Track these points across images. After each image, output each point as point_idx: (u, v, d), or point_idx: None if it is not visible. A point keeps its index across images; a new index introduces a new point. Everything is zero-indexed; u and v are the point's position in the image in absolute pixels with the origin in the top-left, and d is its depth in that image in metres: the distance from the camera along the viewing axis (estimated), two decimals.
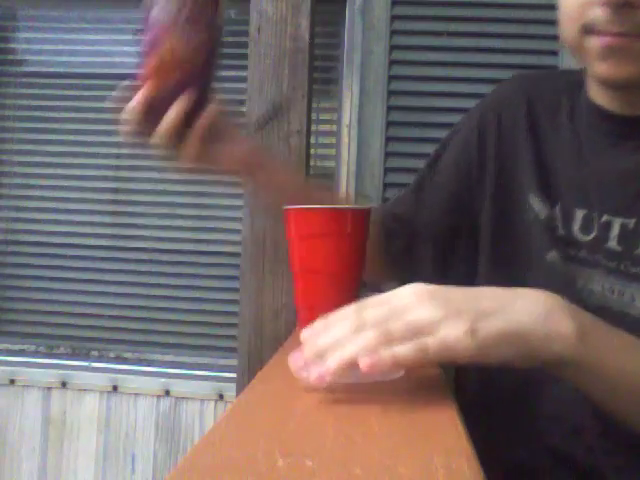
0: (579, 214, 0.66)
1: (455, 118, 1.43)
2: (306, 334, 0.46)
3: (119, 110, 0.59)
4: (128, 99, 0.58)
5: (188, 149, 0.62)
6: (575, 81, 0.75)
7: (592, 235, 0.65)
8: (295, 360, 0.44)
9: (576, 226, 0.66)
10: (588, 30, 0.60)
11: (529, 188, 0.70)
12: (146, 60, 0.58)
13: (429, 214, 0.80)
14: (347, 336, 0.43)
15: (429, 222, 0.80)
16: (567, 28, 0.63)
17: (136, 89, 0.58)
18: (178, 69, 0.57)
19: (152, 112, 0.58)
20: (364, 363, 0.40)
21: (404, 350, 0.40)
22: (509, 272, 0.71)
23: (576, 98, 0.73)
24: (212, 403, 1.56)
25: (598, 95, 0.68)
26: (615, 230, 0.63)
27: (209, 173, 0.73)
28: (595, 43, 0.59)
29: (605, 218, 0.64)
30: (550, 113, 0.74)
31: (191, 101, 0.59)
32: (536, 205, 0.69)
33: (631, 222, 0.62)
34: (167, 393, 1.57)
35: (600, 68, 0.61)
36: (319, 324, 0.46)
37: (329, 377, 0.41)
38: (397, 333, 0.41)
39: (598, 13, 0.58)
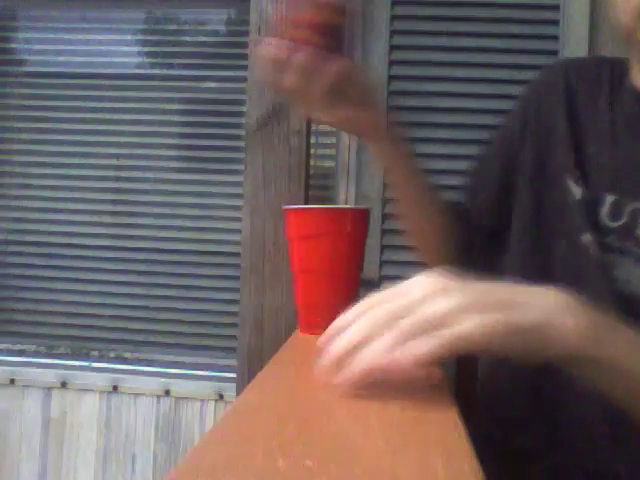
0: (609, 199, 0.65)
1: (455, 118, 1.44)
2: (323, 340, 0.45)
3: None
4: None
5: (312, 97, 0.59)
6: (619, 69, 0.74)
7: (621, 221, 0.63)
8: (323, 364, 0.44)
9: (605, 211, 0.65)
10: None
11: (566, 170, 0.70)
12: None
13: (479, 200, 0.82)
14: (365, 339, 0.43)
15: (480, 208, 0.81)
16: (624, 12, 0.61)
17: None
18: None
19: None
20: (384, 366, 0.40)
21: (422, 347, 0.40)
22: (544, 252, 0.70)
23: (617, 85, 0.72)
24: (212, 403, 1.56)
25: None
26: None
27: (330, 125, 0.71)
28: None
29: (636, 205, 0.63)
30: (589, 98, 0.73)
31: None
32: (572, 187, 0.68)
33: None
34: (167, 393, 1.57)
35: None
36: (334, 327, 0.46)
37: (352, 384, 0.41)
38: (413, 329, 0.41)
39: None
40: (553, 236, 0.70)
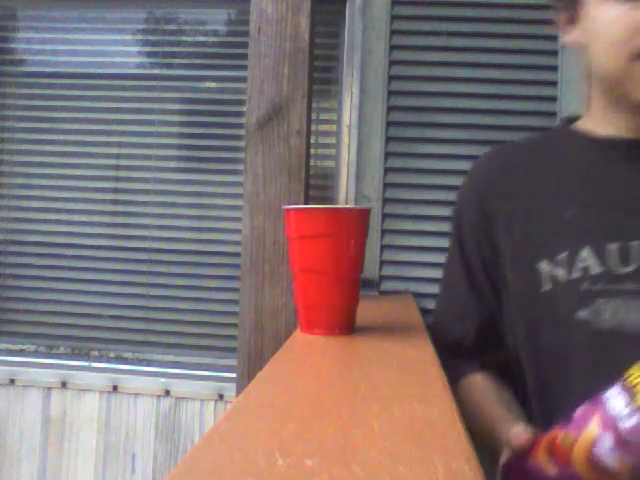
0: (612, 247, 0.64)
1: (455, 118, 1.44)
2: None
3: None
4: None
5: None
6: (549, 138, 0.76)
7: (637, 264, 0.62)
8: None
9: (612, 261, 0.64)
10: (637, 54, 0.59)
11: (540, 258, 0.69)
12: None
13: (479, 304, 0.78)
14: None
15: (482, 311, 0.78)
16: (611, 53, 0.61)
17: None
18: None
19: None
20: None
21: None
22: (540, 337, 0.69)
23: (559, 149, 0.73)
24: (212, 403, 1.56)
25: (613, 127, 0.68)
26: None
27: None
28: None
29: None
30: (528, 179, 0.73)
31: None
32: (553, 271, 0.67)
33: None
34: (167, 393, 1.57)
35: None
36: None
37: None
38: None
39: None
40: (545, 323, 0.69)
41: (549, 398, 0.63)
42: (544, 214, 0.71)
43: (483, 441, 0.54)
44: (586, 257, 0.65)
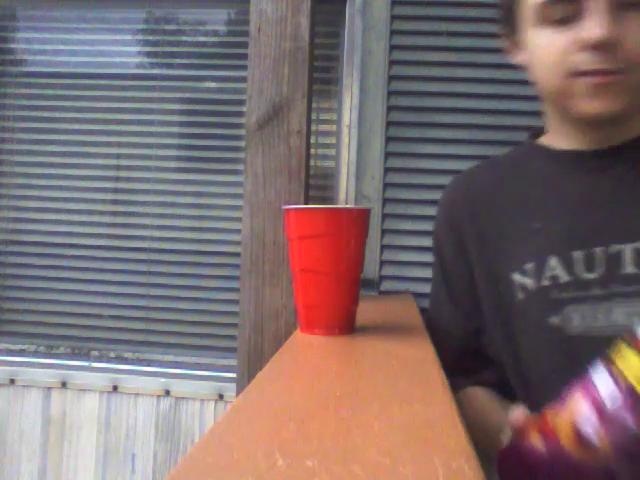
0: (578, 255, 0.67)
1: (455, 118, 1.44)
2: None
3: None
4: None
5: None
6: (516, 154, 0.81)
7: (601, 269, 0.65)
8: None
9: (578, 268, 0.66)
10: (574, 73, 0.63)
11: (512, 269, 0.72)
12: None
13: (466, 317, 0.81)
14: None
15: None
16: (550, 74, 0.66)
17: None
18: None
19: None
20: None
21: None
22: (518, 345, 0.72)
23: (524, 164, 0.78)
24: (212, 403, 1.56)
25: (569, 140, 0.72)
26: (628, 255, 0.64)
27: None
28: (585, 83, 0.63)
29: (614, 248, 0.65)
30: (498, 195, 0.77)
31: None
32: (522, 280, 0.71)
33: None
34: (167, 393, 1.57)
35: (588, 105, 0.64)
36: None
37: None
38: None
39: (583, 56, 0.62)
40: (519, 332, 0.72)
41: (530, 404, 0.65)
42: (514, 227, 0.74)
43: (488, 449, 0.55)
44: (554, 266, 0.68)
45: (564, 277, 0.67)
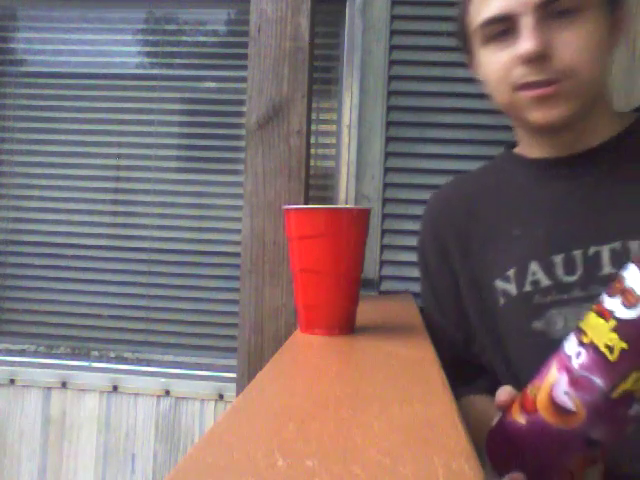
0: (557, 259, 0.68)
1: (455, 118, 1.44)
2: None
3: None
4: None
5: None
6: (495, 164, 0.84)
7: (581, 272, 0.67)
8: None
9: (559, 272, 0.68)
10: (517, 87, 0.67)
11: (495, 276, 0.74)
12: None
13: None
14: None
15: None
16: (498, 90, 0.70)
17: None
18: None
19: None
20: None
21: None
22: (507, 350, 0.74)
23: (502, 173, 0.80)
24: (212, 403, 1.56)
25: (538, 149, 0.75)
26: (605, 256, 0.66)
27: None
28: (527, 96, 0.66)
29: (592, 250, 0.66)
30: (480, 204, 0.80)
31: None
32: (505, 287, 0.73)
33: (617, 245, 0.65)
34: (167, 393, 1.57)
35: (536, 116, 0.67)
36: None
37: None
38: None
39: (521, 70, 0.65)
40: (504, 335, 0.74)
41: None
42: (495, 235, 0.76)
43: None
44: (535, 271, 0.69)
45: (545, 281, 0.68)
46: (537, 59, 0.63)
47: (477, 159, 0.92)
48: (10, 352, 1.68)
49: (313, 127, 1.56)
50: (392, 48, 1.46)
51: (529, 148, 0.77)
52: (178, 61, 1.69)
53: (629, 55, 1.37)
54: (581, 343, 0.47)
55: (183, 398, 1.56)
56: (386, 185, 1.46)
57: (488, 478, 0.50)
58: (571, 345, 0.48)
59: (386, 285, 1.44)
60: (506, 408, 0.51)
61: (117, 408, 1.58)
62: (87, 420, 1.59)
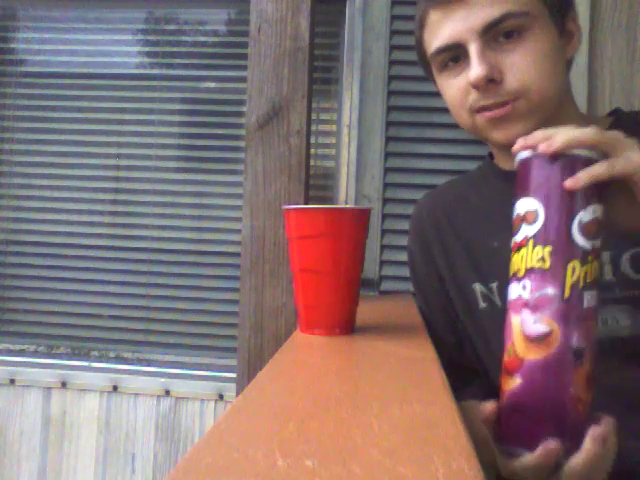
0: None
1: None
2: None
3: None
4: None
5: None
6: (478, 173, 0.87)
7: None
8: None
9: None
10: (474, 110, 0.69)
11: (474, 280, 0.78)
12: None
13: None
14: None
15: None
16: (459, 114, 0.73)
17: None
18: None
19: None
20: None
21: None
22: (493, 347, 0.76)
23: (481, 183, 0.83)
24: (212, 403, 1.56)
25: (510, 161, 0.76)
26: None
27: None
28: (484, 118, 0.69)
29: None
30: (462, 211, 0.83)
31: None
32: (489, 295, 0.76)
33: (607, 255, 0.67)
34: (167, 393, 1.57)
35: (497, 136, 0.70)
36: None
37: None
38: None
39: (474, 95, 0.68)
40: (491, 337, 0.77)
41: None
42: (476, 243, 0.79)
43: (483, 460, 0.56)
44: None
45: None
46: (487, 84, 0.65)
47: (477, 159, 0.92)
48: (10, 352, 1.68)
49: (313, 127, 1.56)
50: (392, 48, 1.46)
51: (503, 160, 0.79)
52: (178, 61, 1.69)
53: (629, 55, 1.37)
54: (519, 279, 0.51)
55: (183, 398, 1.56)
56: (386, 185, 1.46)
57: (488, 478, 0.51)
58: (513, 290, 0.52)
59: (386, 285, 1.44)
60: (494, 413, 0.53)
61: (117, 408, 1.58)
62: (87, 420, 1.59)
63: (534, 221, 0.50)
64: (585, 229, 0.49)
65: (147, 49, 1.71)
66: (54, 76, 1.71)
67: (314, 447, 0.33)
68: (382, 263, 1.45)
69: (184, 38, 1.70)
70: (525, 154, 0.52)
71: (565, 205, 0.49)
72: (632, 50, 1.37)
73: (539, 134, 0.50)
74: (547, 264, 0.49)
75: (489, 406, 0.53)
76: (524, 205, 0.52)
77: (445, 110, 1.54)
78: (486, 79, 0.64)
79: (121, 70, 1.70)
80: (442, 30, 0.68)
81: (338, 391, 0.44)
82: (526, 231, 0.51)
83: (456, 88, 0.70)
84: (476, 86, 0.66)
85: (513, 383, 0.51)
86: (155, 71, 1.69)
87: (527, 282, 0.50)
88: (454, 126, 1.47)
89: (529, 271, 0.50)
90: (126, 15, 1.70)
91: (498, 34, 0.65)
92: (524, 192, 0.52)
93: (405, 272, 1.48)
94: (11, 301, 1.71)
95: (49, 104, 1.71)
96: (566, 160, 0.50)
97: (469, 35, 0.65)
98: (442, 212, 0.85)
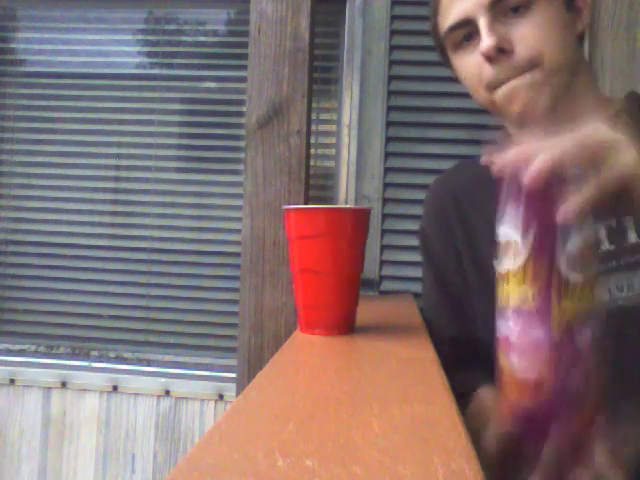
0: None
1: (455, 118, 1.44)
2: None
3: None
4: None
5: None
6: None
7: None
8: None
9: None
10: (490, 86, 0.70)
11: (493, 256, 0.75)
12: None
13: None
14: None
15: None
16: (477, 92, 0.73)
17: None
18: None
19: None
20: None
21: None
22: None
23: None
24: (212, 403, 1.56)
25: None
26: (603, 234, 0.67)
27: None
28: (501, 93, 0.69)
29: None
30: (477, 193, 0.81)
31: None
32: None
33: (613, 222, 0.67)
34: (167, 393, 1.57)
35: (514, 108, 0.70)
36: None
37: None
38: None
39: (489, 70, 0.69)
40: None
41: None
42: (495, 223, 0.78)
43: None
44: None
45: None
46: (498, 54, 0.67)
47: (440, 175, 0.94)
48: (10, 352, 1.68)
49: (313, 127, 1.56)
50: (392, 48, 1.46)
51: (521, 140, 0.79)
52: (178, 61, 1.69)
53: (629, 55, 1.37)
54: (505, 317, 0.46)
55: (183, 398, 1.56)
56: (386, 185, 1.46)
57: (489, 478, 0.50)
58: (500, 327, 0.47)
59: (386, 285, 1.44)
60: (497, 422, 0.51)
61: (117, 408, 1.58)
62: (87, 420, 1.59)
63: (515, 255, 0.44)
64: (575, 261, 0.43)
65: (147, 49, 1.71)
66: (54, 76, 1.71)
67: (314, 447, 0.33)
68: (382, 263, 1.45)
69: (184, 38, 1.70)
70: (502, 177, 0.46)
71: (549, 238, 0.43)
72: (632, 50, 1.37)
73: (517, 152, 0.46)
74: (533, 305, 0.43)
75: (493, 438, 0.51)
76: (504, 233, 0.46)
77: (445, 110, 1.54)
78: (496, 48, 0.66)
79: (121, 70, 1.70)
80: (453, 9, 0.71)
81: (338, 391, 0.44)
82: (507, 264, 0.45)
83: (471, 64, 0.71)
84: (488, 57, 0.67)
85: (509, 426, 0.48)
86: (155, 71, 1.69)
87: (512, 323, 0.45)
88: (454, 126, 1.47)
89: (514, 311, 0.45)
90: (126, 15, 1.70)
91: (506, 9, 0.67)
92: (502, 219, 0.46)
93: (405, 272, 1.49)
94: (11, 301, 1.71)
95: (49, 104, 1.71)
96: (547, 186, 0.43)
97: (478, 10, 0.68)
98: (461, 192, 0.85)
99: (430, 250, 0.90)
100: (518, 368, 0.45)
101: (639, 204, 0.48)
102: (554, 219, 0.42)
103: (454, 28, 0.71)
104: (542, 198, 0.43)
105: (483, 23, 0.67)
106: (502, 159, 0.46)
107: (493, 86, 0.70)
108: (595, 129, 0.48)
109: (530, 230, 0.44)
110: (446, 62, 0.81)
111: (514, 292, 0.45)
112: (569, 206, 0.42)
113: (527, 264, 0.44)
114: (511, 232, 0.45)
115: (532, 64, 0.67)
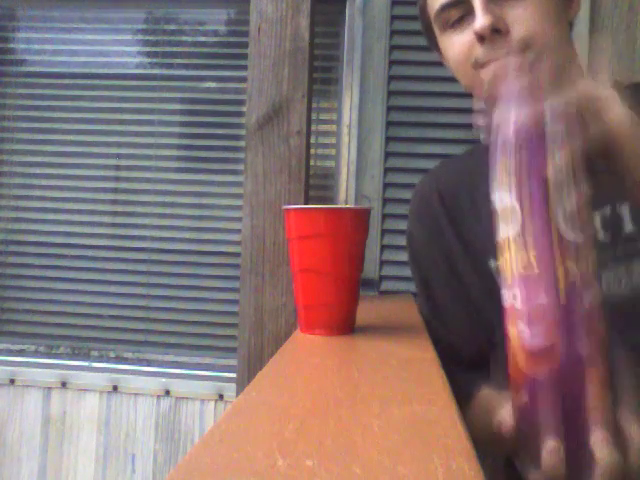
0: None
1: (455, 118, 1.44)
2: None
3: None
4: None
5: None
6: (477, 148, 0.83)
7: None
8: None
9: None
10: (477, 65, 0.69)
11: (489, 256, 0.75)
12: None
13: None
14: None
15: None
16: (461, 70, 0.73)
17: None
18: None
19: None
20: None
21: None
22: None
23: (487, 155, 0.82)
24: (212, 403, 1.56)
25: None
26: (597, 222, 0.66)
27: None
28: (487, 73, 0.68)
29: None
30: (473, 185, 0.80)
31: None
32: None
33: (608, 210, 0.66)
34: (167, 393, 1.57)
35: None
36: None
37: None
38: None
39: (480, 50, 0.68)
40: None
41: None
42: (488, 217, 0.76)
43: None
44: None
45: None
46: (492, 34, 0.66)
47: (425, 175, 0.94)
48: (10, 352, 1.68)
49: (313, 127, 1.56)
50: (392, 48, 1.46)
51: None
52: (178, 61, 1.69)
53: (629, 54, 1.37)
54: (509, 287, 0.45)
55: (183, 398, 1.56)
56: (386, 185, 1.46)
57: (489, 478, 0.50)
58: (505, 297, 0.46)
59: (386, 285, 1.44)
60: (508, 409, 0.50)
61: (117, 408, 1.58)
62: (87, 420, 1.59)
63: (512, 220, 0.44)
64: (573, 219, 0.42)
65: (147, 49, 1.71)
66: (54, 76, 1.71)
67: (314, 447, 0.33)
68: (382, 263, 1.45)
69: (184, 38, 1.70)
70: (490, 137, 0.46)
71: (543, 194, 0.42)
72: (632, 50, 1.37)
73: (497, 68, 0.48)
74: (535, 270, 0.43)
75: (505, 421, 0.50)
76: (498, 199, 0.45)
77: (445, 110, 1.54)
78: (491, 28, 0.65)
79: (121, 70, 1.71)
80: None
81: (338, 391, 0.44)
82: (505, 231, 0.45)
83: (460, 43, 0.71)
84: (482, 36, 0.66)
85: (520, 400, 0.47)
86: (155, 71, 1.69)
87: (517, 291, 0.44)
88: (454, 126, 1.47)
89: (517, 279, 0.44)
90: (126, 15, 1.70)
91: None
92: (494, 183, 0.46)
93: (405, 272, 1.48)
94: (11, 301, 1.71)
95: (49, 104, 1.71)
96: (536, 139, 0.42)
97: None
98: (446, 187, 0.84)
99: (418, 254, 0.89)
100: (526, 336, 0.44)
101: (628, 162, 0.47)
102: (545, 174, 0.42)
103: (446, 7, 0.70)
104: (531, 153, 0.43)
105: (478, 2, 0.67)
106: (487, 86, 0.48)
107: (481, 64, 0.69)
108: (587, 84, 0.48)
109: (523, 188, 0.43)
110: (433, 45, 0.80)
111: (515, 260, 0.44)
112: (558, 159, 0.42)
113: (525, 227, 0.43)
114: (505, 195, 0.45)
115: (525, 45, 0.66)
